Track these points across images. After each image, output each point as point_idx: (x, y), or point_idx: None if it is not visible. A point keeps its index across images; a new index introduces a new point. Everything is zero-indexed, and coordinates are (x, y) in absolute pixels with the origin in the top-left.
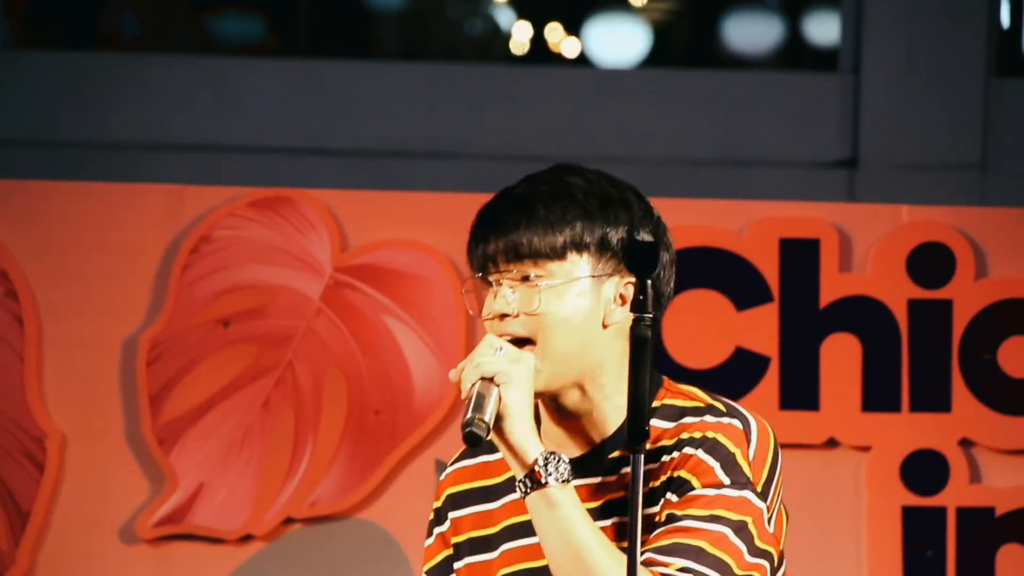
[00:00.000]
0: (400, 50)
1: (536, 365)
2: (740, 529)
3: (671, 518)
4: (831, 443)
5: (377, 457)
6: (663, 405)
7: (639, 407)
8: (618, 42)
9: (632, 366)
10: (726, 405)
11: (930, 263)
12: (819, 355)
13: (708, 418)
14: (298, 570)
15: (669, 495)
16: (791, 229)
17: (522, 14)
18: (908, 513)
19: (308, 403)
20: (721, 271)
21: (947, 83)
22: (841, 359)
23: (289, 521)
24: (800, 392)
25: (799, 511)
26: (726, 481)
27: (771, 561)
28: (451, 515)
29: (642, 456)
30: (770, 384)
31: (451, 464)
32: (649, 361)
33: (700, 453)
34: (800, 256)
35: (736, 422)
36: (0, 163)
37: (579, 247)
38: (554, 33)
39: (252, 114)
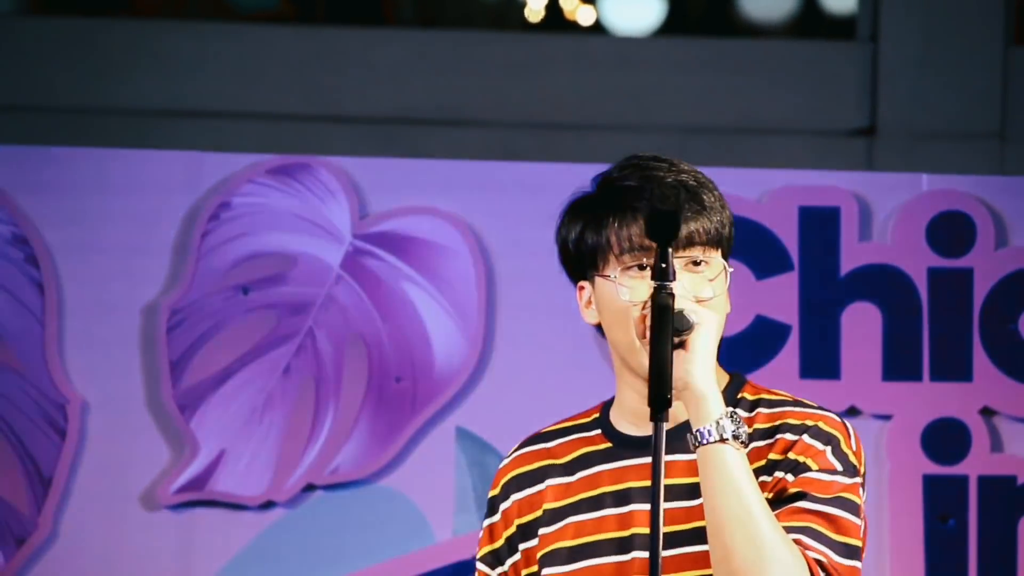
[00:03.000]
0: (416, 18)
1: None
2: (857, 513)
3: (795, 496)
4: (852, 411)
5: (398, 424)
6: (743, 398)
7: (661, 375)
8: (633, 10)
9: (654, 334)
10: (814, 403)
11: (950, 232)
12: (840, 324)
13: (800, 408)
14: (319, 536)
15: (781, 474)
16: (811, 197)
17: None
18: (929, 481)
19: (329, 370)
20: (740, 239)
21: (965, 52)
22: (861, 328)
23: (310, 487)
24: (821, 361)
25: None
26: (838, 467)
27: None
28: (508, 502)
29: (664, 425)
30: (791, 353)
31: (511, 453)
32: (671, 329)
33: (806, 438)
34: (820, 224)
35: (832, 414)
36: (19, 129)
37: (724, 238)
38: (569, 1)
39: (269, 81)
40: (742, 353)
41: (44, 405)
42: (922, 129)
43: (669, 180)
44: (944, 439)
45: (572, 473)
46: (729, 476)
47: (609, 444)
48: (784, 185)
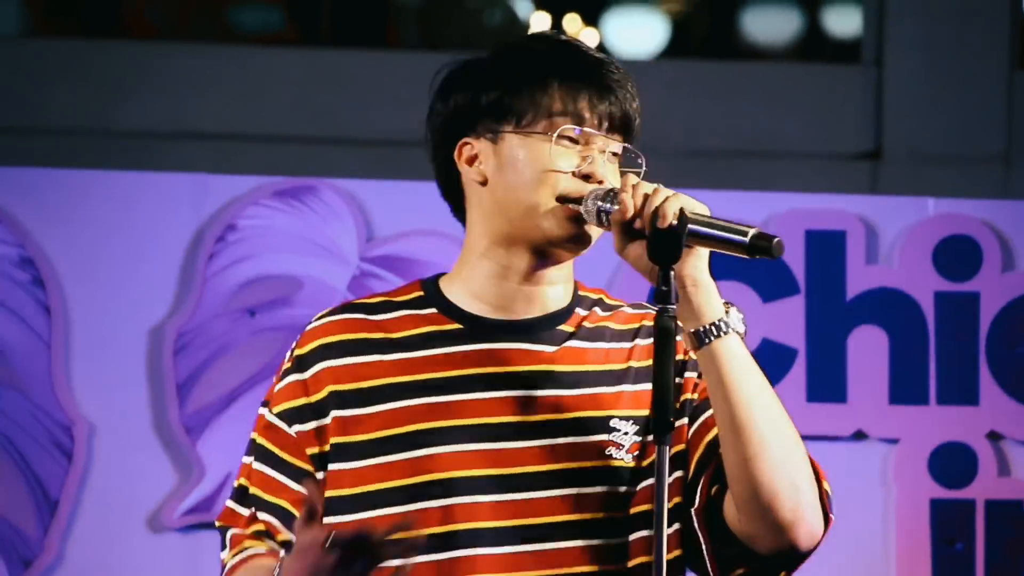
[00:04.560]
0: (419, 40)
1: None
2: None
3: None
4: (859, 435)
5: None
6: (586, 296)
7: (665, 399)
8: (636, 33)
9: (657, 357)
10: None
11: (957, 256)
12: (846, 347)
13: (645, 311)
14: None
15: (694, 375)
16: (817, 221)
17: (540, 4)
18: (936, 506)
19: None
20: (746, 263)
21: (970, 75)
22: (868, 351)
23: None
24: (827, 384)
25: None
26: None
27: None
28: (320, 365)
29: (667, 448)
30: (797, 376)
31: (322, 317)
32: (673, 352)
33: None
34: (826, 248)
35: None
36: (24, 152)
37: (637, 133)
38: (572, 24)
39: (274, 103)
40: None
41: (50, 427)
42: (927, 153)
43: (601, 56)
44: (951, 463)
45: (412, 350)
46: (752, 367)
47: (458, 325)
48: (790, 209)
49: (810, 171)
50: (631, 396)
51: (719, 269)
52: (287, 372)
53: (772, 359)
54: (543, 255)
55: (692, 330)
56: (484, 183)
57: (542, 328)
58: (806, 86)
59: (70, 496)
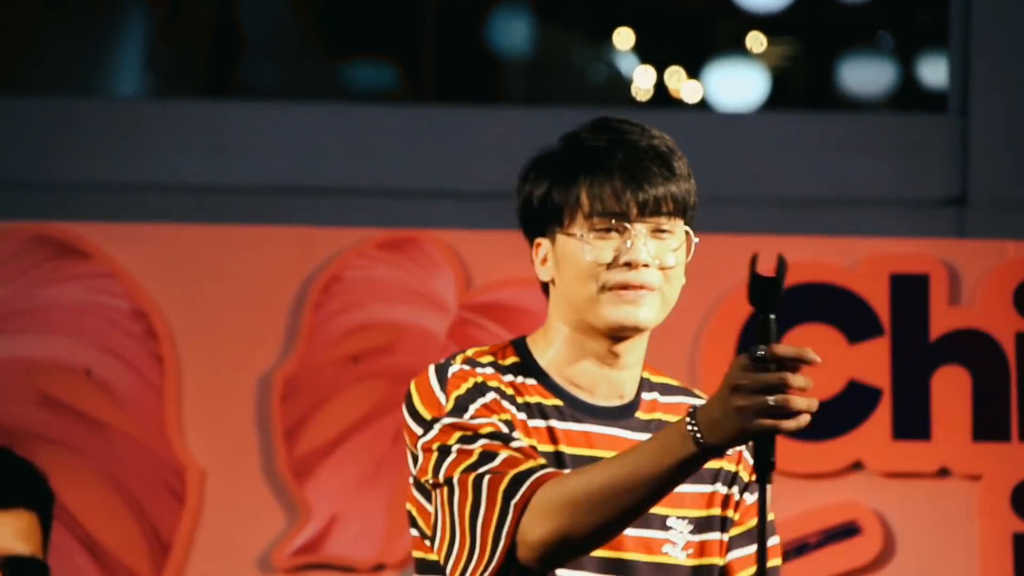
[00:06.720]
0: (525, 95)
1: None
2: None
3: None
4: (943, 472)
5: None
6: (647, 379)
7: (767, 441)
8: (738, 86)
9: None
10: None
11: None
12: (930, 386)
13: (695, 397)
14: None
15: (747, 496)
16: (901, 265)
17: (644, 59)
18: (1020, 541)
19: None
20: (833, 306)
21: None
22: (951, 390)
23: None
24: (912, 422)
25: (912, 539)
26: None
27: None
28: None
29: (768, 487)
30: (883, 415)
31: (462, 363)
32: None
33: (745, 451)
34: (910, 291)
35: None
36: (140, 207)
37: (690, 207)
38: (675, 78)
39: (381, 158)
40: (835, 415)
41: (163, 473)
42: (1010, 197)
43: (642, 144)
44: None
45: (530, 416)
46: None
47: (559, 402)
48: (875, 253)
49: (898, 217)
50: (691, 496)
51: (805, 312)
52: (473, 398)
53: (858, 399)
54: (611, 337)
55: None
56: (552, 281)
57: (624, 415)
58: (896, 135)
59: (183, 539)
